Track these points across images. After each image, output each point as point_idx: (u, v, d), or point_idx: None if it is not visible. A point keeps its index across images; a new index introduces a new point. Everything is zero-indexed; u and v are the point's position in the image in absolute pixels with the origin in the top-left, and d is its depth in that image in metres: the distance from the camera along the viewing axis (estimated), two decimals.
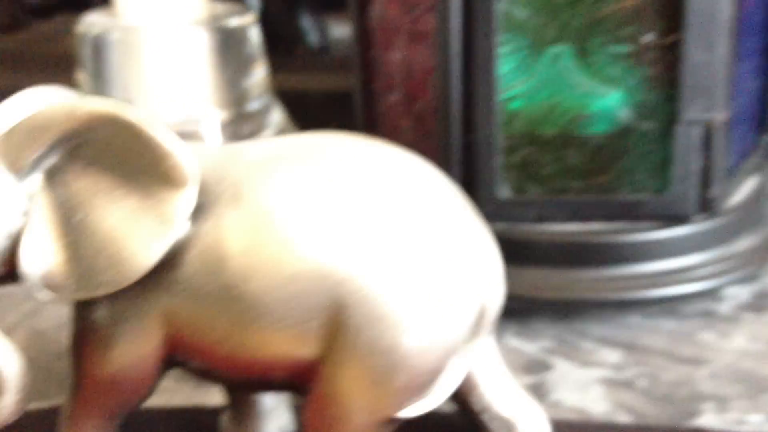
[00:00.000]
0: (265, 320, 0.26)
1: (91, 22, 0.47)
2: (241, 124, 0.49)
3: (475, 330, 0.28)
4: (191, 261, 0.26)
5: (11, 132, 0.26)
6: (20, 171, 0.26)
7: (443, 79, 0.37)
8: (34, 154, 0.26)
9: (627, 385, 0.36)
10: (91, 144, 0.26)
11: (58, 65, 0.67)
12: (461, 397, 0.30)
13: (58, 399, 0.31)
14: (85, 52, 0.47)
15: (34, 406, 0.31)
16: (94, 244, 0.26)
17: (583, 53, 0.36)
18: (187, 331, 0.27)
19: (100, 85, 0.47)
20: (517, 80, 0.37)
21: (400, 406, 0.27)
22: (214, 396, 0.36)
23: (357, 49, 0.42)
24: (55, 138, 0.26)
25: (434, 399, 0.28)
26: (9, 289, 0.28)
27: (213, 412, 0.35)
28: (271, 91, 0.52)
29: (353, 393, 0.27)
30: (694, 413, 0.34)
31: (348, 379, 0.27)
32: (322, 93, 0.56)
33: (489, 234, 0.29)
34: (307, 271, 0.26)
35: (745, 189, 0.42)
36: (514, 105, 0.38)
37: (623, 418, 0.34)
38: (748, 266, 0.41)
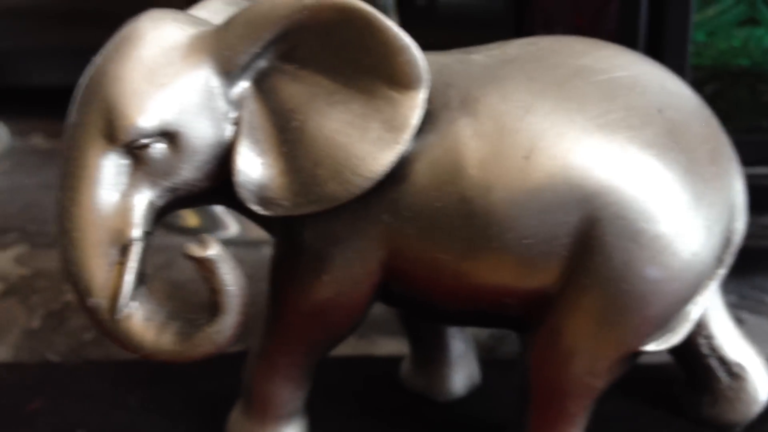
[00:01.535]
0: (506, 237, 0.23)
1: None
2: None
3: (722, 259, 0.25)
4: (419, 173, 0.23)
5: (230, 24, 0.23)
6: (231, 72, 0.23)
7: (629, 10, 0.34)
8: (250, 51, 0.23)
9: None
10: (305, 44, 0.23)
11: None
12: (690, 340, 0.27)
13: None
14: None
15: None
16: (314, 154, 0.23)
17: None
18: (410, 253, 0.24)
19: None
20: (708, 9, 0.34)
21: (646, 339, 0.24)
22: (381, 346, 0.33)
23: None
24: (278, 31, 0.23)
25: (680, 333, 0.25)
26: None
27: (388, 361, 0.32)
28: None
29: (596, 323, 0.23)
30: None
31: (591, 307, 0.23)
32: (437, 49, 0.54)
33: (735, 156, 0.26)
34: (554, 183, 0.23)
35: None
36: (702, 36, 0.35)
37: None
38: None
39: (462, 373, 0.31)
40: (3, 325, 0.36)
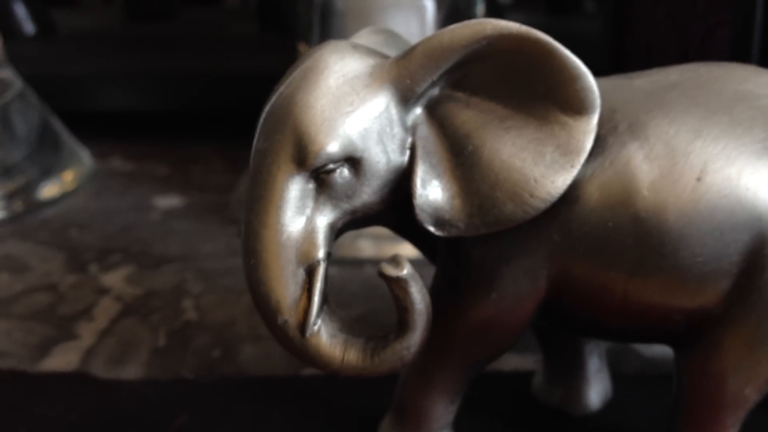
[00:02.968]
0: (679, 256, 0.24)
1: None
2: None
3: None
4: (590, 195, 0.24)
5: (410, 54, 0.24)
6: (407, 102, 0.25)
7: (742, 33, 0.35)
8: (429, 79, 0.24)
9: None
10: (480, 71, 0.25)
11: (212, 49, 0.67)
12: None
13: None
14: (314, 21, 0.46)
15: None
16: (490, 177, 0.24)
17: None
18: (579, 272, 0.25)
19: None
20: None
21: None
22: (507, 363, 0.34)
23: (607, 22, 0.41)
24: (456, 60, 0.24)
25: None
26: None
27: (516, 376, 0.33)
28: None
29: (758, 338, 0.24)
30: None
31: (754, 323, 0.24)
32: None
33: None
34: (727, 203, 0.24)
35: None
36: None
37: None
38: None
39: (597, 387, 0.31)
40: (130, 343, 0.37)
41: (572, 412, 0.31)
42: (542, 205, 0.24)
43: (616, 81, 0.26)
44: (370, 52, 0.25)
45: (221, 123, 0.61)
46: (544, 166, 0.24)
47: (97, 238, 0.48)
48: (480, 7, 0.47)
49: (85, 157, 0.59)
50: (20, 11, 0.66)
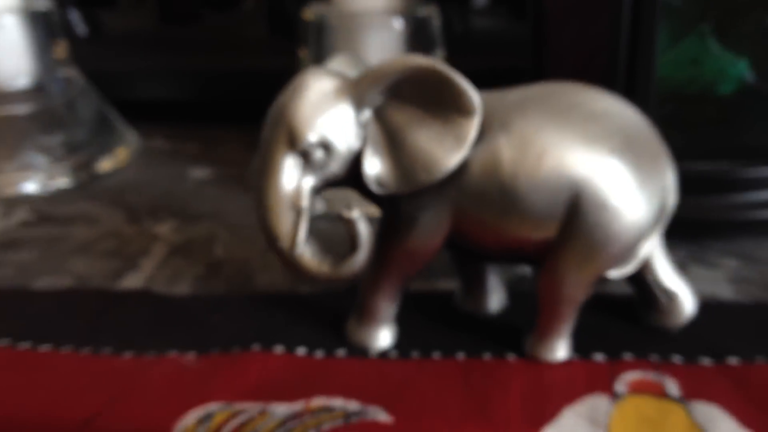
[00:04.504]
0: (526, 207, 0.38)
1: (315, 9, 0.61)
2: None
3: (658, 221, 0.40)
4: (474, 168, 0.39)
5: (362, 77, 0.39)
6: (360, 107, 0.39)
7: (613, 55, 0.49)
8: (374, 93, 0.39)
9: (745, 280, 0.49)
10: (407, 89, 0.39)
11: (230, 49, 0.81)
12: (641, 273, 0.43)
13: None
14: (310, 33, 0.60)
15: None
16: (411, 155, 0.39)
17: (720, 31, 0.48)
18: (467, 217, 0.39)
19: (320, 58, 0.60)
20: (669, 52, 0.49)
21: (607, 269, 0.40)
22: (441, 284, 0.49)
23: (535, 33, 0.55)
24: (387, 83, 0.39)
25: (629, 267, 0.40)
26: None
27: (445, 293, 0.48)
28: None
29: (576, 260, 0.39)
30: None
31: (574, 249, 0.39)
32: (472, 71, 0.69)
33: (669, 156, 0.41)
34: (556, 174, 0.38)
35: None
36: (665, 71, 0.50)
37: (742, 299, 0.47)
38: None
39: (496, 298, 0.46)
40: (178, 273, 0.52)
41: (480, 314, 0.46)
42: (443, 173, 0.38)
43: (494, 94, 0.41)
44: (338, 74, 0.40)
45: (238, 111, 0.76)
46: (444, 149, 0.39)
47: (147, 200, 0.63)
48: (436, 24, 0.61)
49: (133, 138, 0.74)
50: (74, 16, 0.80)
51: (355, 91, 0.39)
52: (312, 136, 0.38)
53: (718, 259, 0.51)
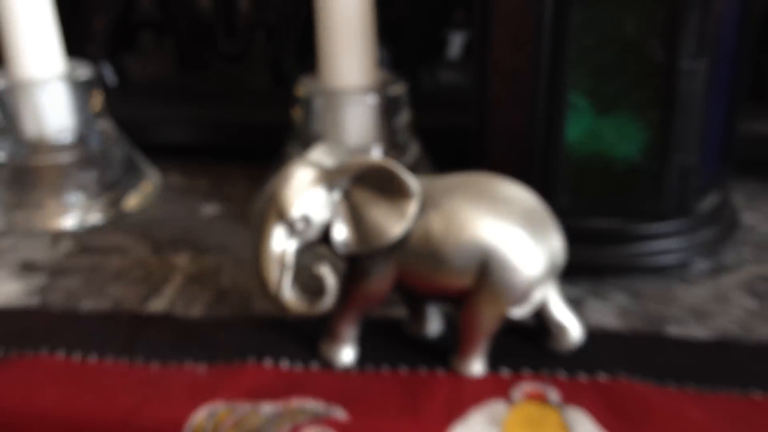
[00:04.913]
0: (449, 265, 0.53)
1: (305, 85, 0.75)
2: (394, 153, 0.76)
3: (549, 274, 0.55)
4: (413, 236, 0.53)
5: (331, 170, 0.54)
6: (332, 190, 0.54)
7: (532, 138, 0.63)
8: (342, 180, 0.53)
9: (629, 313, 0.63)
10: (365, 179, 0.53)
11: (237, 99, 0.95)
12: (539, 311, 0.57)
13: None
14: (301, 104, 0.75)
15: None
16: (368, 226, 0.53)
17: (616, 119, 0.62)
18: (408, 271, 0.54)
19: (310, 122, 0.75)
20: (576, 133, 0.64)
21: (509, 310, 0.55)
22: (395, 312, 0.63)
23: (476, 109, 0.69)
24: (351, 174, 0.53)
25: (527, 309, 0.55)
26: None
27: (396, 321, 0.62)
28: (411, 129, 0.79)
29: (486, 303, 0.54)
30: (665, 325, 0.61)
31: (484, 296, 0.53)
32: (443, 128, 0.83)
33: (557, 223, 0.56)
34: (471, 242, 0.52)
35: (711, 199, 0.68)
36: (573, 143, 0.64)
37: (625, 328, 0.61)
38: (709, 248, 0.67)
39: (433, 325, 0.61)
40: (192, 298, 0.66)
41: (420, 338, 0.61)
42: (391, 241, 0.53)
43: (429, 180, 0.55)
44: (317, 164, 0.54)
45: (244, 153, 0.91)
46: (392, 223, 0.53)
47: (168, 233, 0.77)
48: (403, 99, 0.76)
49: (155, 176, 0.88)
50: (107, 70, 0.95)
51: (328, 179, 0.53)
52: (295, 213, 0.53)
53: (611, 294, 0.65)
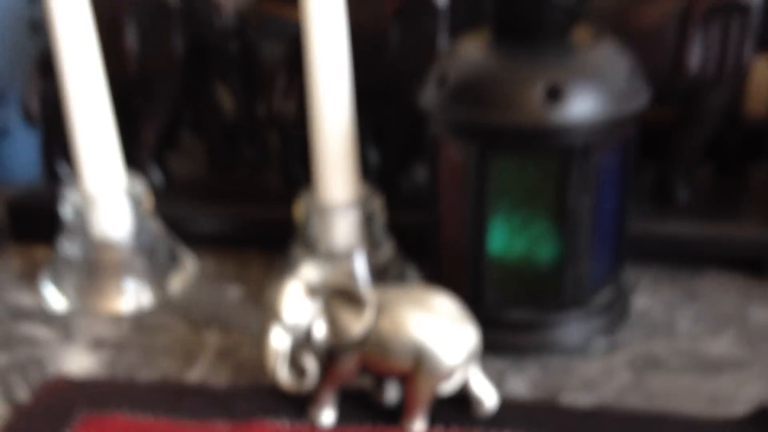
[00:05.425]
0: (395, 355, 0.76)
1: (305, 200, 0.98)
2: (372, 250, 0.99)
3: (468, 360, 0.77)
4: (370, 335, 0.77)
5: (315, 286, 0.77)
6: (315, 301, 0.77)
7: (466, 245, 0.86)
8: (322, 294, 0.77)
9: (540, 384, 0.85)
10: (338, 292, 0.77)
11: (253, 197, 1.19)
12: (462, 386, 0.80)
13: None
14: (301, 213, 0.99)
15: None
16: (338, 328, 0.76)
17: (527, 236, 0.85)
18: (367, 358, 0.77)
19: (308, 227, 0.98)
20: (498, 239, 0.87)
21: (439, 387, 0.77)
22: (363, 383, 0.86)
23: (431, 226, 0.93)
24: (328, 289, 0.77)
25: (452, 386, 0.77)
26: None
27: (364, 391, 0.85)
28: (386, 228, 1.02)
29: (421, 382, 0.76)
30: (562, 394, 0.83)
31: (419, 377, 0.76)
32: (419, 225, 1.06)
33: (474, 321, 0.78)
34: (410, 339, 0.75)
35: (605, 293, 0.91)
36: (495, 253, 0.87)
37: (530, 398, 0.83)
38: (605, 331, 0.90)
39: (392, 393, 0.83)
40: (219, 369, 0.90)
41: (382, 402, 0.83)
42: (355, 340, 0.76)
43: (384, 290, 0.78)
44: (306, 281, 0.77)
45: (262, 242, 1.15)
46: (354, 324, 0.76)
47: (201, 314, 1.00)
48: (379, 213, 0.99)
49: (191, 262, 1.12)
50: (155, 174, 1.20)
51: (312, 293, 0.77)
52: (288, 320, 0.76)
53: (526, 368, 0.87)
